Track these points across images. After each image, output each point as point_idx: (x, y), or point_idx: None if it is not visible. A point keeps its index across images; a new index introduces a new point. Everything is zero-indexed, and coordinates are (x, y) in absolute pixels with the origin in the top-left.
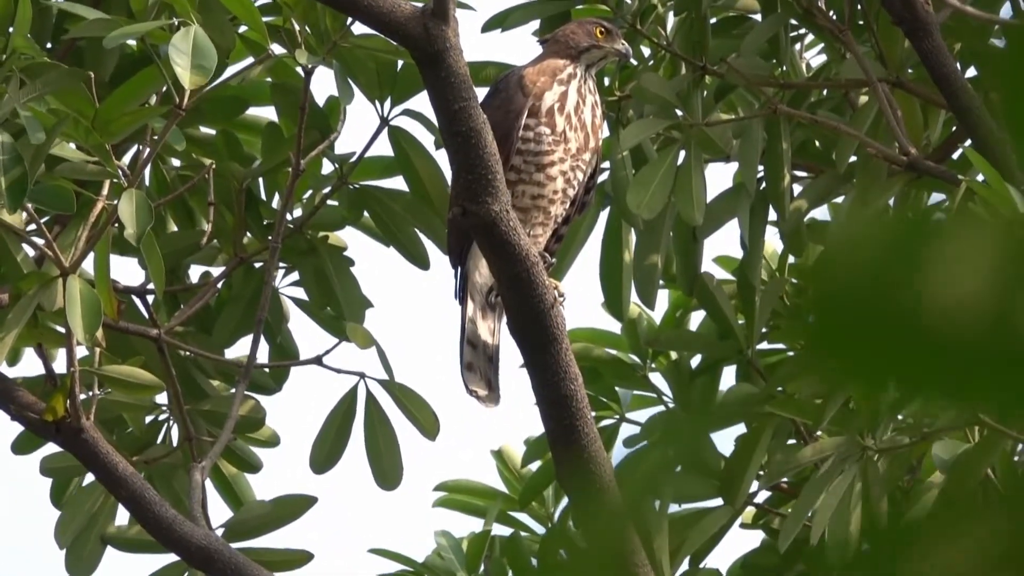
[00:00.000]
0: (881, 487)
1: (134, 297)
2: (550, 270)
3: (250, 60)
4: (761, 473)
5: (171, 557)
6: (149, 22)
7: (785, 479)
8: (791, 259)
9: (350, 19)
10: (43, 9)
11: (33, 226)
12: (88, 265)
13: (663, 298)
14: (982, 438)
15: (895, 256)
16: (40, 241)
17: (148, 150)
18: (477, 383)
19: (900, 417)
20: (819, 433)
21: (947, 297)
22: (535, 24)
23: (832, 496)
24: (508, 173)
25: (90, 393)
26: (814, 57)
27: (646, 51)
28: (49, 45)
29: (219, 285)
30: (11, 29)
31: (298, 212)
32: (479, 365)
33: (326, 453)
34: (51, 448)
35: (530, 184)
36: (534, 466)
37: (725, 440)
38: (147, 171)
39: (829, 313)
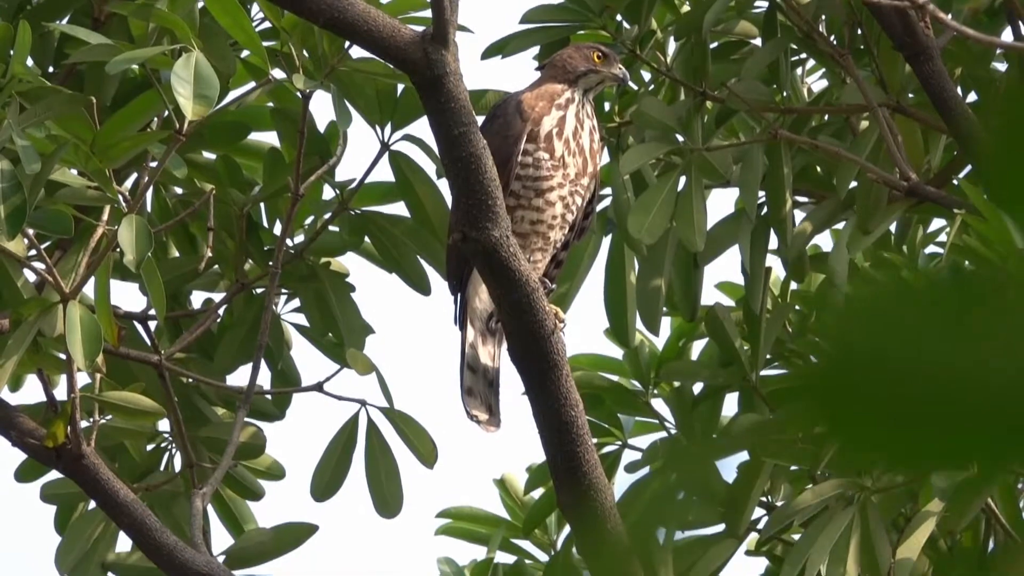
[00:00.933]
0: (879, 525)
1: (135, 323)
2: (550, 296)
3: (250, 85)
4: (764, 499)
5: None
6: (152, 47)
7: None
8: (793, 285)
9: (348, 43)
10: (44, 34)
11: (34, 252)
12: (89, 290)
13: (665, 325)
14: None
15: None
16: (41, 267)
17: (148, 176)
18: (477, 407)
19: None
20: None
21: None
22: (535, 50)
23: (827, 537)
24: (507, 198)
25: (91, 420)
26: (815, 82)
27: (646, 76)
28: (52, 69)
29: (220, 311)
30: (12, 52)
31: (299, 238)
32: (479, 390)
33: (327, 481)
34: (54, 475)
35: (529, 209)
36: (537, 493)
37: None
38: (148, 196)
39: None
